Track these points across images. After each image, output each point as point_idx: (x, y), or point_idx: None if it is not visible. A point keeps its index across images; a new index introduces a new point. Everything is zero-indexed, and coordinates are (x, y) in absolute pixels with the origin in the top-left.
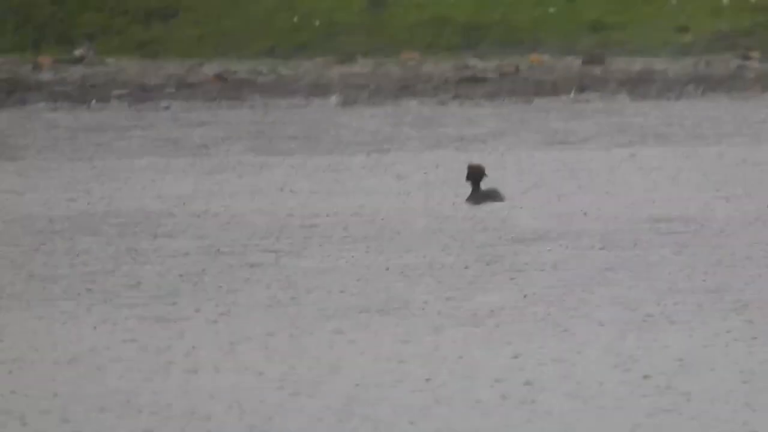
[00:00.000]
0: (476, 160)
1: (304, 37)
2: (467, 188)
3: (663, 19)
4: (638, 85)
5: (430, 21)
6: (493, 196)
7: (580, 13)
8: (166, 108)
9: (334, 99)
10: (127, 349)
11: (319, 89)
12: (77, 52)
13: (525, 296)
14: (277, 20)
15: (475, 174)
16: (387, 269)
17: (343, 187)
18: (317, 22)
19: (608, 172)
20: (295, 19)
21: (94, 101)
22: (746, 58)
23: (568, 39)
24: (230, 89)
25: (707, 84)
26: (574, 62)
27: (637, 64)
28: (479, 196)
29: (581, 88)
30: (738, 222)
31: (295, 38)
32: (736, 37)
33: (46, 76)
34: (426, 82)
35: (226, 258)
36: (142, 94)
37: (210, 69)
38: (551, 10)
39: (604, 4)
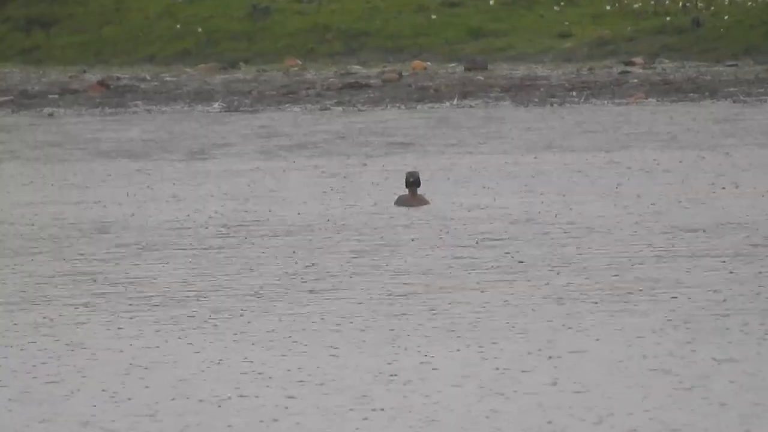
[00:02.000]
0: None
1: (187, 44)
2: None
3: (545, 26)
4: (521, 92)
5: (313, 28)
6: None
7: (461, 19)
8: (50, 115)
9: (217, 105)
10: None
11: (202, 96)
12: None
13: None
14: (159, 27)
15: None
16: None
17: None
18: (199, 29)
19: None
20: (177, 26)
21: None
22: (629, 64)
23: (451, 46)
24: (113, 96)
25: (590, 90)
26: (457, 69)
27: (520, 71)
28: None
29: (464, 95)
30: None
31: (178, 45)
32: (618, 43)
33: None
34: (309, 88)
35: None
36: (25, 100)
37: (93, 76)
38: (433, 16)
39: (485, 11)
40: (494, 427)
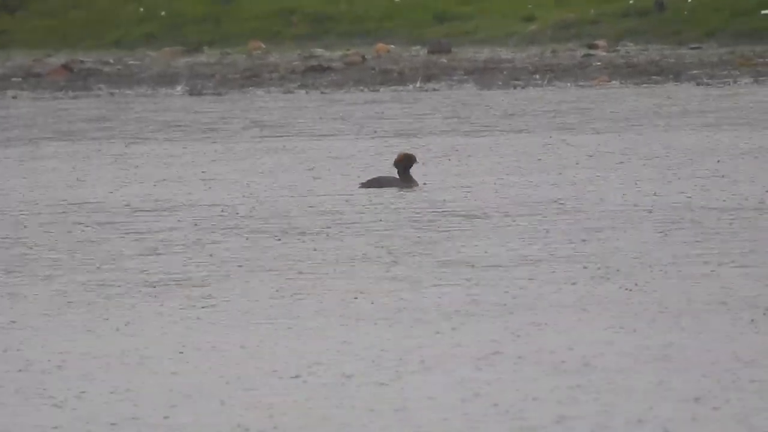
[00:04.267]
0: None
1: (151, 28)
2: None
3: (509, 9)
4: (484, 75)
5: (277, 11)
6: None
7: (426, 3)
8: (14, 98)
9: (180, 89)
10: None
11: (166, 79)
12: None
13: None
14: (123, 11)
15: (405, 162)
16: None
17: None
18: (163, 13)
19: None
20: (141, 10)
21: None
22: (592, 47)
23: (415, 29)
24: (77, 79)
25: (553, 73)
26: (421, 52)
27: (484, 54)
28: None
29: (427, 78)
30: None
31: (142, 29)
32: (582, 26)
33: None
34: (272, 71)
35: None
36: None
37: (57, 60)
38: (398, 0)
39: None
40: None
